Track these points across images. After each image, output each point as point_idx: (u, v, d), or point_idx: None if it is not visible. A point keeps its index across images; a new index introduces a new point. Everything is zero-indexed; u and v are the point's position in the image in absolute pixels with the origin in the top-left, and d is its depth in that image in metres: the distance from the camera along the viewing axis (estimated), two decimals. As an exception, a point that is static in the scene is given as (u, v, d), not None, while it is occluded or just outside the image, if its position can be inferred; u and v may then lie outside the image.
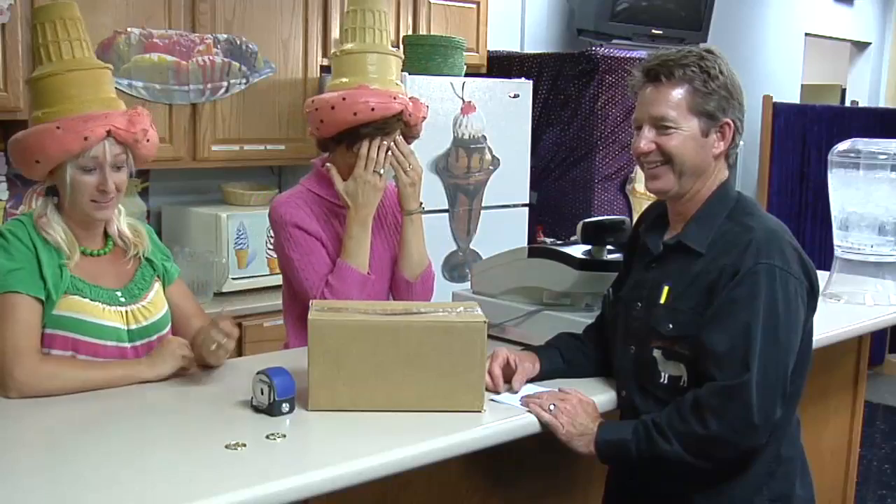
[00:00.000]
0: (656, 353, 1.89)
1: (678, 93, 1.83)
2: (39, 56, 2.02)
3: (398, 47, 4.04)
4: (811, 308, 1.87)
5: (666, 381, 1.88)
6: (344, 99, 2.26)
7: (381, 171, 2.30)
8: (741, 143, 1.95)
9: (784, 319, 1.76)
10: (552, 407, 1.87)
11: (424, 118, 2.41)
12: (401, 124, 2.33)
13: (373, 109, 2.25)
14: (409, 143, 2.40)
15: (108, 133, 1.97)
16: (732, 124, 1.87)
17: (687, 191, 1.89)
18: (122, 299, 2.07)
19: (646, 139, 1.86)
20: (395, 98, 2.28)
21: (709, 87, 1.83)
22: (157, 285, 2.16)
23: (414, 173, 2.37)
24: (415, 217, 2.41)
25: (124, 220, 2.14)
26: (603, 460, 1.87)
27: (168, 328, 2.16)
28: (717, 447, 1.76)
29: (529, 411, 1.88)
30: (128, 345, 2.06)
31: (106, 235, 2.12)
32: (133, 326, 2.07)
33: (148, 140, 2.05)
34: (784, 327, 1.76)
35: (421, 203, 2.41)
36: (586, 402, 1.91)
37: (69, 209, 2.02)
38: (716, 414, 1.73)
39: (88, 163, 1.97)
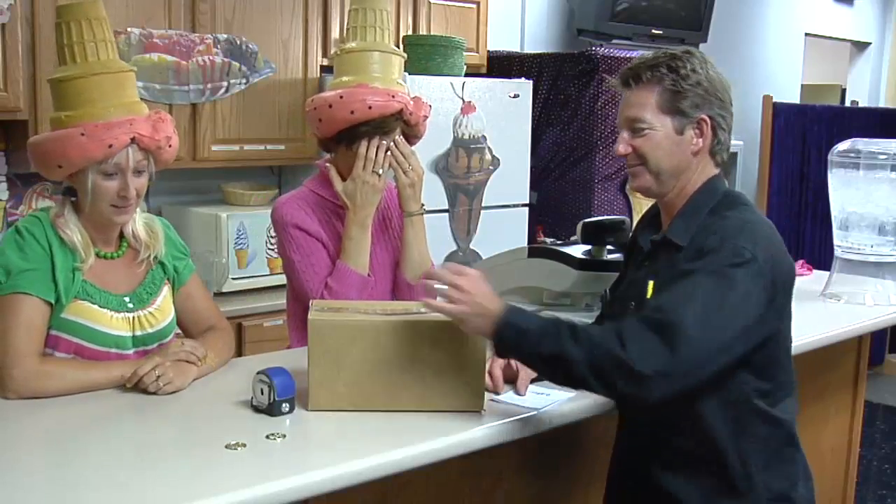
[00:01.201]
0: None
1: (649, 94, 1.86)
2: (63, 56, 2.00)
3: (397, 46, 4.04)
4: (777, 308, 1.81)
5: None
6: (342, 97, 2.25)
7: (381, 172, 2.28)
8: (731, 140, 1.95)
9: (733, 298, 1.71)
10: (445, 288, 1.79)
11: (426, 117, 2.39)
12: (400, 123, 2.31)
13: (370, 108, 2.24)
14: (412, 144, 2.39)
15: (132, 140, 1.96)
16: (710, 120, 1.87)
17: (669, 189, 1.91)
18: (131, 305, 2.07)
19: (623, 142, 1.91)
20: (393, 96, 2.27)
21: (679, 86, 1.84)
22: (166, 289, 2.15)
23: (414, 174, 2.35)
24: (416, 219, 2.39)
25: (140, 219, 2.13)
26: (496, 338, 1.76)
27: (171, 336, 2.15)
28: (619, 370, 1.68)
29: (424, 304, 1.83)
30: (131, 351, 2.06)
31: (121, 237, 2.11)
32: (139, 333, 2.07)
33: (170, 146, 2.05)
34: (732, 305, 1.71)
35: (422, 205, 2.40)
36: (485, 280, 1.85)
37: (88, 212, 2.01)
38: (636, 340, 1.68)
39: (111, 169, 1.96)
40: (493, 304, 1.76)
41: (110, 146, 1.93)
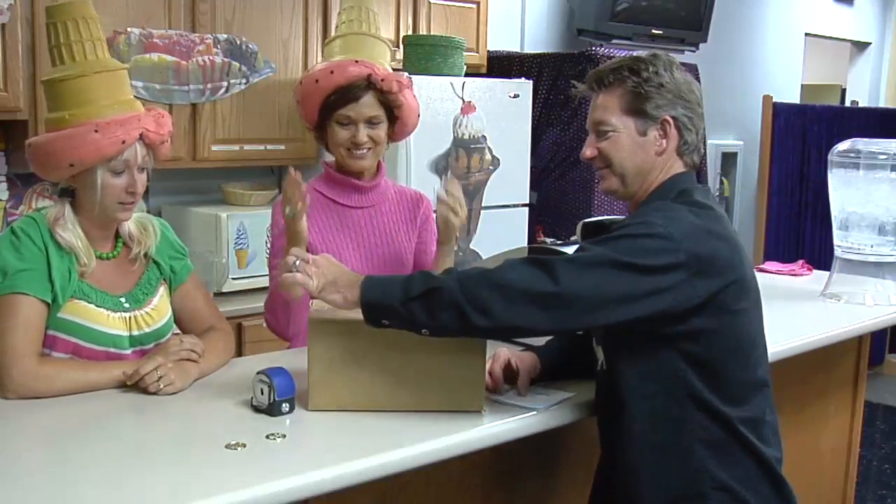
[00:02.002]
0: (593, 341, 1.94)
1: (611, 97, 1.89)
2: (59, 55, 1.99)
3: (398, 47, 4.04)
4: (703, 293, 1.76)
5: (599, 368, 1.92)
6: (309, 73, 2.30)
7: (287, 211, 2.12)
8: (703, 142, 1.95)
9: (625, 258, 1.71)
10: (297, 263, 1.80)
11: (402, 85, 2.32)
12: (373, 92, 2.27)
13: (331, 73, 2.25)
14: (398, 116, 2.33)
15: (140, 136, 1.97)
16: (673, 121, 1.87)
17: (636, 190, 1.92)
18: (127, 305, 2.07)
19: (589, 145, 1.93)
20: (357, 61, 2.26)
21: (641, 89, 1.86)
22: (163, 289, 2.15)
23: (464, 214, 2.28)
24: (448, 248, 2.40)
25: (133, 217, 2.13)
26: (364, 302, 1.75)
27: (169, 335, 2.15)
28: (494, 291, 1.69)
29: (280, 283, 1.82)
30: (128, 351, 2.05)
31: (116, 237, 2.11)
32: (135, 332, 2.07)
33: (170, 141, 2.07)
34: (630, 274, 1.70)
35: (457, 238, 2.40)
36: (335, 261, 1.87)
37: (92, 211, 2.01)
38: (514, 269, 1.72)
39: (120, 165, 1.97)
40: (351, 274, 1.80)
41: (123, 142, 1.94)
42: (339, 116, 2.27)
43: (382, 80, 2.27)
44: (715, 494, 1.80)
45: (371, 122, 2.29)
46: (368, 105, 2.28)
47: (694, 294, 1.74)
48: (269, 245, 3.66)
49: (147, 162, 2.02)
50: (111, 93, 1.98)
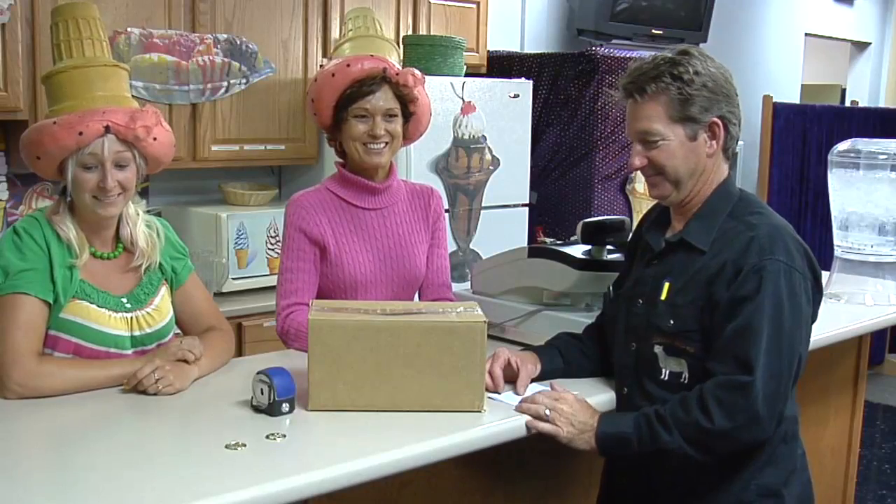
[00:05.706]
0: (657, 350, 1.88)
1: (656, 105, 1.84)
2: (58, 54, 2.02)
3: (399, 47, 4.04)
4: (816, 303, 1.88)
5: (666, 378, 1.88)
6: (324, 69, 2.30)
7: None
8: (740, 140, 1.95)
9: (789, 313, 1.76)
10: (548, 413, 1.85)
11: (417, 79, 2.33)
12: (389, 86, 2.28)
13: (348, 66, 2.26)
14: (412, 112, 2.34)
15: (107, 129, 1.95)
16: (721, 121, 1.86)
17: (688, 193, 1.90)
18: (128, 305, 2.07)
19: (637, 155, 1.89)
20: (372, 56, 2.28)
21: (685, 93, 1.82)
22: (164, 290, 2.15)
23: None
24: None
25: (142, 224, 2.11)
26: (603, 453, 1.86)
27: (171, 335, 2.14)
28: (719, 440, 1.76)
29: (527, 423, 1.86)
30: (129, 351, 2.05)
31: (117, 239, 2.11)
32: (137, 333, 2.06)
33: (155, 139, 2.01)
34: (789, 320, 1.76)
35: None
36: (580, 399, 1.91)
37: (78, 208, 2.01)
38: (721, 406, 1.73)
39: (87, 159, 1.96)
40: (592, 419, 1.85)
41: (81, 133, 1.92)
42: (356, 110, 2.27)
43: (397, 73, 2.29)
44: (794, 477, 1.90)
45: (387, 116, 2.29)
46: (384, 98, 2.28)
47: (812, 320, 1.88)
48: (269, 244, 3.68)
49: (128, 159, 1.99)
50: (92, 87, 1.98)
